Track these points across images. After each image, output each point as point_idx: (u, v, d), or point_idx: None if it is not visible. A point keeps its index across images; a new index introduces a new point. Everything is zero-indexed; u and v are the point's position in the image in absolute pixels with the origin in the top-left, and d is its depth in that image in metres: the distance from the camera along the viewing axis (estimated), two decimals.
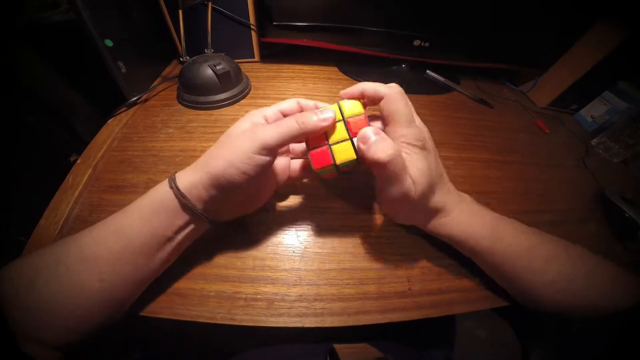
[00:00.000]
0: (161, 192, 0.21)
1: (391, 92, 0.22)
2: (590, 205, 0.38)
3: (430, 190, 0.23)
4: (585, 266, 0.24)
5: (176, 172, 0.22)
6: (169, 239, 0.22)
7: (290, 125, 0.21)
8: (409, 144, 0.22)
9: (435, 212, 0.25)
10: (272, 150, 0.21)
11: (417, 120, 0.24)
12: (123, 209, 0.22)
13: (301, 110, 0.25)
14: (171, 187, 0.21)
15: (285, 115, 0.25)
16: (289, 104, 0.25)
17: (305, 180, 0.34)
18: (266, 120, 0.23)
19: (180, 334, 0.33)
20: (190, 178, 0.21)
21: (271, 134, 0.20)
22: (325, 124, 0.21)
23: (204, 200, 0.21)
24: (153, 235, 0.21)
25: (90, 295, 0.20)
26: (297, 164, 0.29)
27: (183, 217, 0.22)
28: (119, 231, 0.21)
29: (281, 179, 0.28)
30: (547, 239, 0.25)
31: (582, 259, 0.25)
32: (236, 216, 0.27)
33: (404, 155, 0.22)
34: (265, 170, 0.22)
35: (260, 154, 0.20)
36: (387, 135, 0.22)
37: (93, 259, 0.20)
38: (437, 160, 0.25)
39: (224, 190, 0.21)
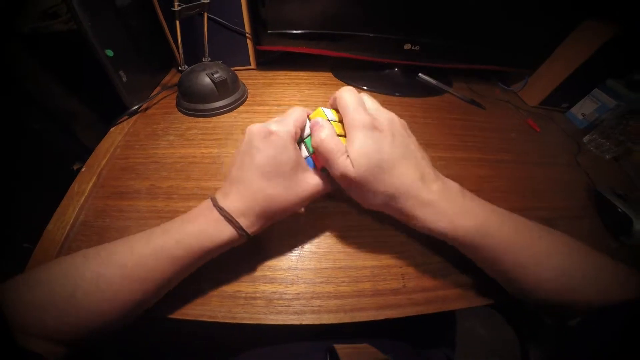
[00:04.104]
0: (226, 234, 0.22)
1: (339, 91, 0.24)
2: (583, 201, 0.39)
3: (378, 170, 0.22)
4: (583, 260, 0.24)
5: (235, 217, 0.22)
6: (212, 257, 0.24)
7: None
8: (354, 127, 0.22)
9: (399, 196, 0.22)
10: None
11: (380, 111, 0.24)
12: (173, 234, 0.22)
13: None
14: (241, 235, 0.22)
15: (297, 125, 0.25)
16: (300, 116, 0.24)
17: None
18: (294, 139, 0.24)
19: (180, 333, 0.33)
20: (257, 227, 0.23)
21: (321, 191, 0.25)
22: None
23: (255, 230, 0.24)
24: (203, 260, 0.23)
25: (127, 305, 0.21)
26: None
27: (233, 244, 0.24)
28: (173, 261, 0.21)
29: None
30: (544, 231, 0.25)
31: (579, 253, 0.24)
32: None
33: (349, 137, 0.22)
34: None
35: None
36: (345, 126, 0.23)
37: (137, 279, 0.21)
38: (406, 145, 0.23)
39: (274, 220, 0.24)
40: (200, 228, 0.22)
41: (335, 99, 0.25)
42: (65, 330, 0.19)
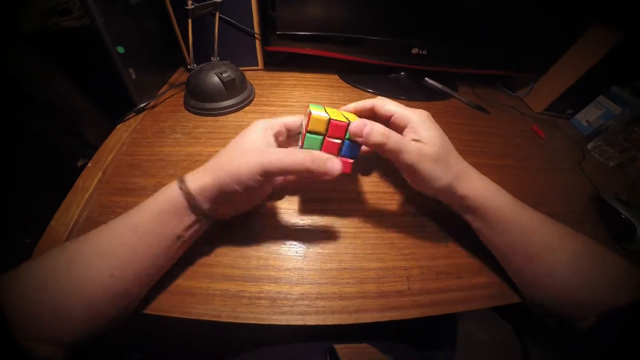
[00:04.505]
0: (172, 193, 0.23)
1: (379, 103, 0.28)
2: (586, 207, 0.39)
3: (447, 148, 0.26)
4: (594, 252, 0.24)
5: (185, 175, 0.24)
6: (178, 237, 0.23)
7: (300, 162, 0.23)
8: (417, 116, 0.26)
9: (456, 175, 0.26)
10: (275, 176, 0.24)
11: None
12: (135, 208, 0.23)
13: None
14: (181, 189, 0.22)
15: (287, 129, 0.28)
16: (294, 119, 0.28)
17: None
18: (272, 130, 0.26)
19: (182, 333, 0.33)
20: (200, 182, 0.23)
21: (280, 163, 0.22)
22: (328, 178, 0.23)
23: (210, 201, 0.23)
24: (164, 233, 0.22)
25: (101, 291, 0.20)
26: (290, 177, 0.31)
27: (191, 217, 0.23)
28: (130, 227, 0.22)
29: (277, 183, 0.31)
30: (555, 221, 0.26)
31: (590, 244, 0.25)
32: (236, 214, 0.28)
33: (414, 125, 0.26)
34: (265, 185, 0.24)
35: (263, 176, 0.23)
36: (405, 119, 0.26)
37: (107, 254, 0.21)
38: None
39: (228, 196, 0.23)
40: (157, 194, 0.24)
41: (368, 109, 0.29)
42: (47, 324, 0.19)
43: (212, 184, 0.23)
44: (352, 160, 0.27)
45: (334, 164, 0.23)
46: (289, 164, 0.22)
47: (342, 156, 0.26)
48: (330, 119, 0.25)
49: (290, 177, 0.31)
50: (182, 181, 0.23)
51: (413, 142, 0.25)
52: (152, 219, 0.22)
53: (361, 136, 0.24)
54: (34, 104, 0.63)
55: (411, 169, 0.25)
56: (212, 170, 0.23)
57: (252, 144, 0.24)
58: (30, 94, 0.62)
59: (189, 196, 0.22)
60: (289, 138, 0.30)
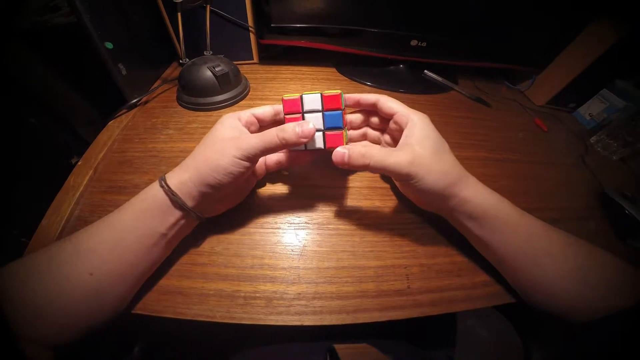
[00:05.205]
0: (153, 190, 0.23)
1: (382, 99, 0.28)
2: (590, 203, 0.38)
3: (441, 154, 0.25)
4: (599, 258, 0.24)
5: (166, 174, 0.24)
6: (162, 235, 0.23)
7: (271, 140, 0.23)
8: (414, 113, 0.27)
9: (456, 179, 0.25)
10: (254, 158, 0.23)
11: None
12: (119, 208, 0.23)
13: (275, 114, 0.28)
14: (162, 186, 0.22)
15: (258, 120, 0.28)
16: (262, 109, 0.28)
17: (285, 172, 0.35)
18: (240, 121, 0.26)
19: (179, 332, 0.33)
20: (180, 177, 0.23)
21: (255, 145, 0.23)
22: (305, 140, 0.23)
23: (193, 196, 0.23)
24: (146, 231, 0.22)
25: (80, 289, 0.20)
26: (271, 159, 0.31)
27: (174, 214, 0.23)
28: (112, 226, 0.22)
29: (259, 174, 0.31)
30: (554, 228, 0.25)
31: (593, 251, 0.25)
32: (221, 211, 0.28)
33: (411, 122, 0.26)
34: (247, 171, 0.24)
35: (243, 159, 0.23)
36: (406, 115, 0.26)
37: (85, 252, 0.21)
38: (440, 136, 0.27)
39: (211, 187, 0.23)
40: (140, 193, 0.24)
41: (371, 104, 0.29)
42: (29, 323, 0.19)
43: (191, 178, 0.23)
44: (341, 132, 0.26)
45: (303, 126, 0.23)
46: (264, 141, 0.23)
47: (328, 129, 0.26)
48: (301, 95, 0.25)
49: (272, 162, 0.31)
50: (162, 179, 0.23)
51: (403, 149, 0.25)
52: (133, 218, 0.22)
53: (344, 164, 0.24)
54: (32, 102, 0.62)
55: (406, 177, 0.24)
56: (190, 165, 0.24)
57: (225, 134, 0.24)
58: (29, 92, 0.61)
59: (169, 192, 0.22)
60: (261, 129, 0.29)
